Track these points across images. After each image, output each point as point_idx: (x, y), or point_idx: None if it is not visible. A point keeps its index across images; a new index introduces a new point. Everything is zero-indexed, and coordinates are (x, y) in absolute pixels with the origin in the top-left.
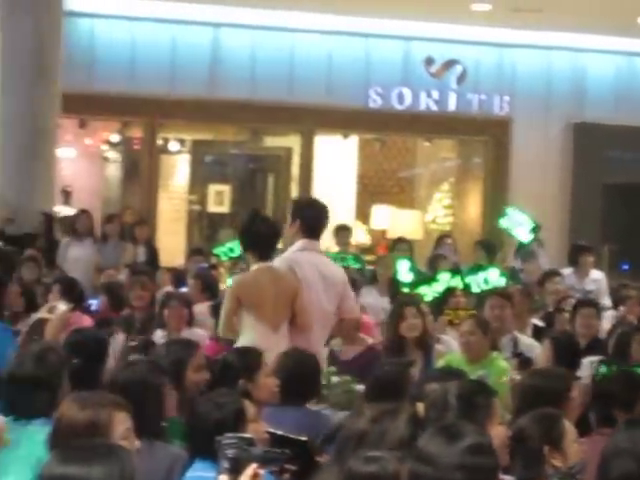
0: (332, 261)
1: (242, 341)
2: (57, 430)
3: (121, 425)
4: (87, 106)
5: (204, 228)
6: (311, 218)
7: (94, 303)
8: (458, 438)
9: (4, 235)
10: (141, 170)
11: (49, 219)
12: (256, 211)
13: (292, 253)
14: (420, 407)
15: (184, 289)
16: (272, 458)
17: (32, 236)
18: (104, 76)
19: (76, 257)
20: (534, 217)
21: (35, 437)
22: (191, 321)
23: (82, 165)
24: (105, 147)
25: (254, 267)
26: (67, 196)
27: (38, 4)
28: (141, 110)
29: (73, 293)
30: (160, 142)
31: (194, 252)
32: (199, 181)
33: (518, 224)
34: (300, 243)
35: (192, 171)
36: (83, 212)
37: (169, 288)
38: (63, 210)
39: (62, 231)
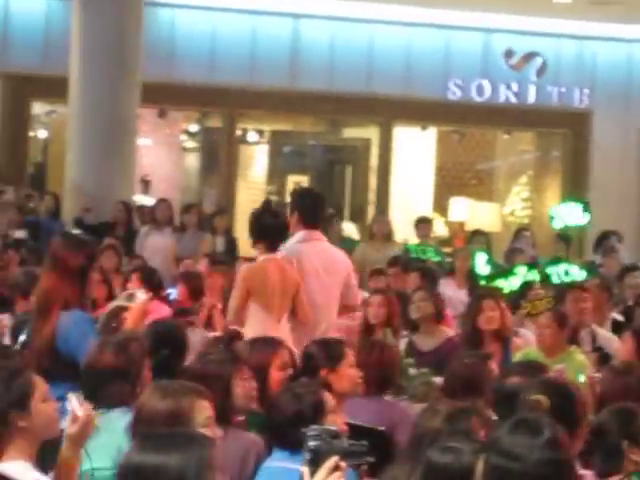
0: (335, 248)
1: (246, 330)
2: (138, 419)
3: (202, 413)
4: (167, 96)
5: None
6: (308, 208)
7: (172, 292)
8: (539, 432)
9: (82, 224)
10: (220, 160)
11: (128, 208)
12: (267, 204)
13: (293, 245)
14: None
15: None
16: (354, 452)
17: (111, 225)
18: (184, 66)
19: (155, 246)
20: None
21: (116, 424)
22: None
23: (161, 155)
24: (184, 137)
25: (261, 258)
26: (146, 185)
27: None
28: (220, 100)
29: (152, 282)
30: (239, 132)
31: None
32: (277, 172)
33: (569, 215)
34: (301, 234)
35: (270, 162)
36: (162, 201)
37: None
38: (142, 199)
39: (141, 220)
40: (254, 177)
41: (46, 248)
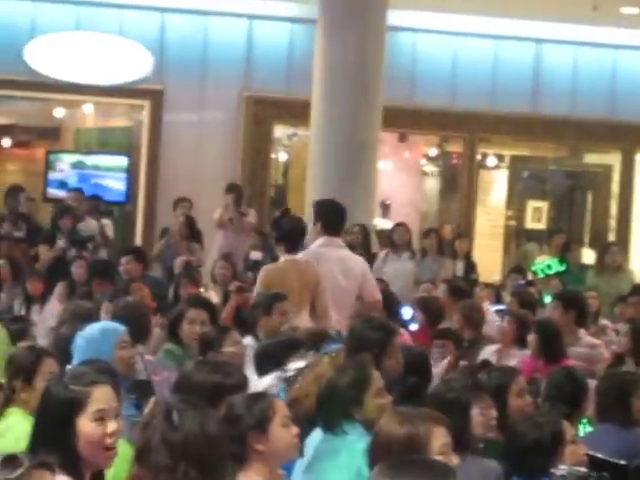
0: (352, 254)
1: None
2: (376, 443)
3: (439, 440)
4: (407, 120)
5: (521, 244)
6: (331, 218)
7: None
8: None
9: None
10: (460, 184)
11: (365, 232)
12: (286, 210)
13: (316, 248)
14: None
15: (501, 306)
16: None
17: (350, 248)
18: (425, 90)
19: (393, 270)
20: None
21: (355, 447)
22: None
23: (401, 179)
24: (424, 161)
25: (282, 259)
26: (386, 209)
27: (361, 19)
28: (461, 125)
29: (390, 307)
30: (479, 157)
31: (513, 270)
32: (517, 197)
33: None
34: (322, 240)
35: (510, 187)
36: (401, 225)
37: (487, 304)
38: (382, 223)
39: (380, 244)
40: (493, 202)
41: None
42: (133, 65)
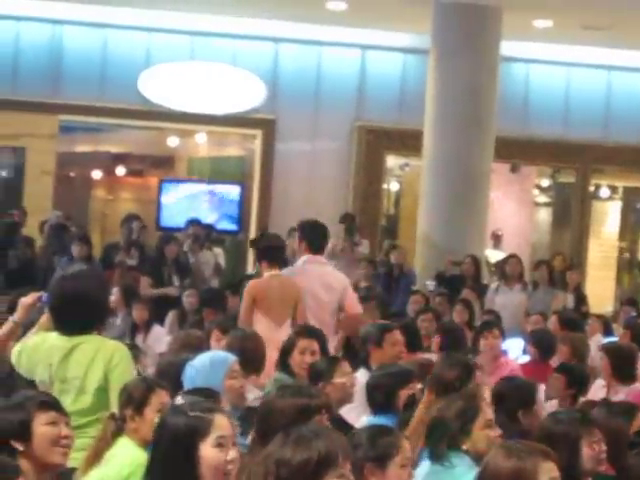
0: (334, 270)
1: None
2: (483, 476)
3: (547, 475)
4: (520, 151)
5: (634, 276)
6: (314, 239)
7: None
8: None
9: (443, 277)
10: (572, 216)
11: (477, 262)
12: (264, 230)
13: (301, 265)
14: None
15: (613, 338)
16: None
17: (462, 278)
18: (538, 121)
19: (504, 302)
20: None
21: (462, 479)
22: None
23: (513, 209)
24: (536, 192)
25: (266, 274)
26: (497, 240)
27: (474, 50)
28: (574, 156)
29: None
30: (592, 188)
31: (626, 302)
32: (630, 228)
33: None
34: (305, 257)
35: (623, 218)
36: (513, 257)
37: (598, 336)
38: (493, 254)
39: (491, 275)
40: (605, 233)
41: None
42: (246, 95)
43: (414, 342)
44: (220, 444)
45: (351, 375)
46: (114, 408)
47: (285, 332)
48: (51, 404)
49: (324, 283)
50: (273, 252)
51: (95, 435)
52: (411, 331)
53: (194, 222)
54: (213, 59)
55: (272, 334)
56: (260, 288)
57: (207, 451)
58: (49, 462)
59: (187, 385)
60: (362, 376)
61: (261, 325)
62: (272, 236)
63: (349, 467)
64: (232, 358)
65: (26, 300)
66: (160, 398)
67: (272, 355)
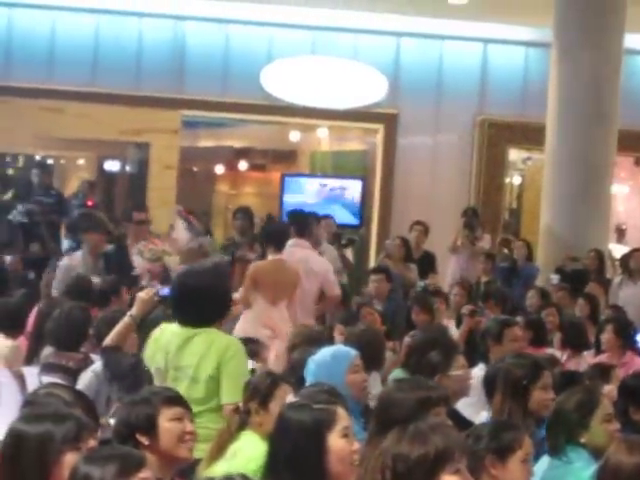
0: (316, 254)
1: (248, 313)
2: (604, 472)
3: None
4: None
5: None
6: (298, 223)
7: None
8: None
9: (564, 272)
10: None
11: (600, 256)
12: (269, 216)
13: (287, 247)
14: None
15: None
16: None
17: (584, 273)
18: None
19: (628, 296)
20: None
21: (581, 475)
22: None
23: (637, 203)
24: None
25: (270, 257)
26: (621, 234)
27: (597, 42)
28: None
29: (625, 333)
30: None
31: None
32: None
33: None
34: (292, 241)
35: None
36: (637, 250)
37: None
38: (617, 248)
39: (614, 270)
40: None
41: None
42: (368, 89)
43: (540, 337)
44: (346, 434)
45: (467, 368)
46: (224, 401)
47: (279, 313)
48: (176, 400)
49: (305, 268)
50: (280, 237)
51: (207, 425)
52: (537, 326)
53: (326, 217)
54: (335, 54)
55: (266, 312)
56: (260, 271)
57: (335, 441)
58: (175, 456)
59: (309, 380)
60: (480, 371)
61: (257, 305)
62: (279, 222)
63: (465, 462)
64: (354, 352)
65: (143, 295)
66: (284, 392)
67: (263, 333)
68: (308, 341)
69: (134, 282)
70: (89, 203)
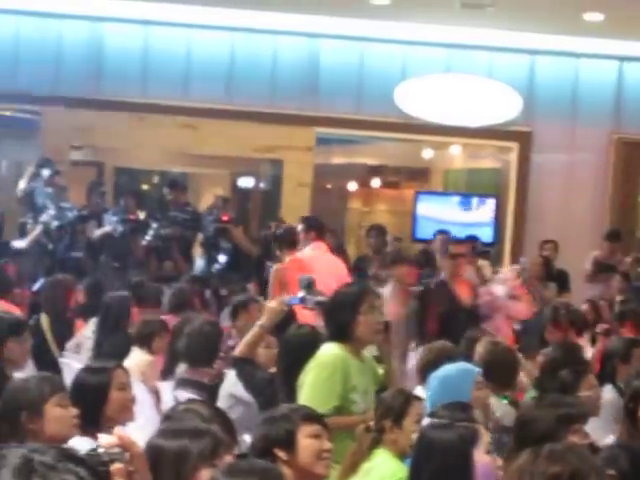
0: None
1: None
2: None
3: None
4: None
5: None
6: (319, 228)
7: None
8: None
9: None
10: None
11: None
12: (278, 222)
13: (311, 251)
14: None
15: None
16: None
17: None
18: None
19: None
20: None
21: None
22: None
23: None
24: None
25: (287, 259)
26: None
27: None
28: None
29: None
30: None
31: None
32: None
33: None
34: (314, 244)
35: None
36: None
37: None
38: None
39: None
40: None
41: None
42: (502, 107)
43: None
44: (489, 450)
45: (597, 388)
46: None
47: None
48: (315, 417)
49: (328, 264)
50: (291, 239)
51: None
52: None
53: (442, 232)
54: (469, 71)
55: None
56: (284, 271)
57: (481, 458)
58: (312, 473)
59: (432, 396)
60: (608, 393)
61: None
62: (287, 227)
63: None
64: (476, 369)
65: (272, 305)
66: (417, 409)
67: None
68: (441, 356)
69: None
70: (224, 218)
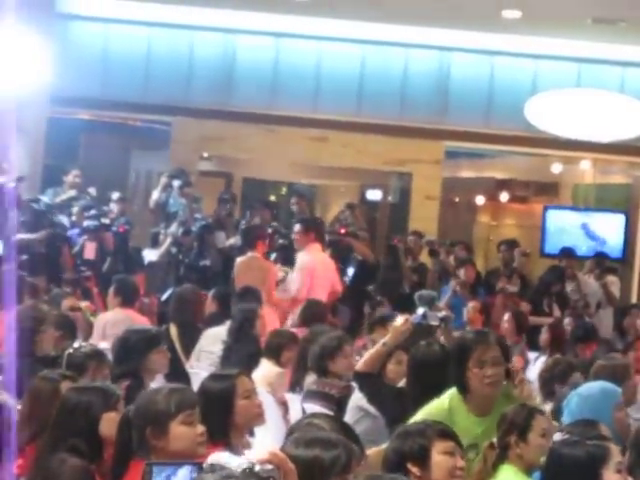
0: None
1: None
2: None
3: None
4: None
5: None
6: (320, 231)
7: None
8: None
9: None
10: None
11: None
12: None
13: (313, 252)
14: None
15: None
16: None
17: None
18: None
19: None
20: None
21: None
22: None
23: None
24: None
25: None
26: None
27: None
28: None
29: None
30: None
31: None
32: None
33: None
34: (311, 246)
35: None
36: None
37: None
38: None
39: None
40: None
41: None
42: (633, 122)
43: None
44: (619, 470)
45: None
46: None
47: None
48: (450, 434)
49: (324, 264)
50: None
51: None
52: None
53: (566, 251)
54: (600, 86)
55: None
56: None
57: (609, 476)
58: None
59: (570, 413)
60: None
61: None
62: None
63: None
64: (619, 390)
65: (398, 324)
66: (542, 423)
67: None
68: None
69: None
70: (341, 231)
